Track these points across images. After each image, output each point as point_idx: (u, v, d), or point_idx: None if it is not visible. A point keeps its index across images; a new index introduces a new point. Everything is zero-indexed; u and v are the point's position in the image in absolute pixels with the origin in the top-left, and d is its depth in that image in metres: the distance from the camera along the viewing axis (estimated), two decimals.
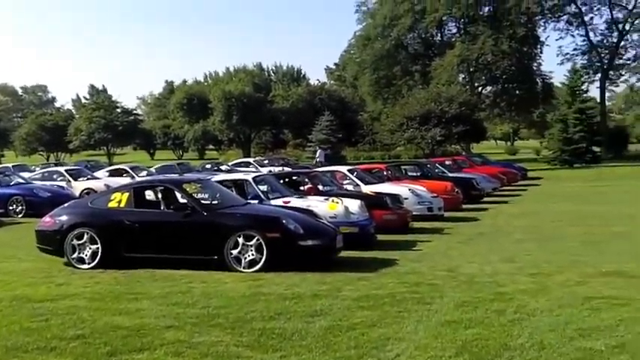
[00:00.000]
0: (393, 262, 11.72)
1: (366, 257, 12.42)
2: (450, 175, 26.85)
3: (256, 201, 13.66)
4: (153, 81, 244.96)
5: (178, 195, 12.14)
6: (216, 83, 75.74)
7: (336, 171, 20.43)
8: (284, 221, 11.05)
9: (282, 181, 16.54)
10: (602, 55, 64.16)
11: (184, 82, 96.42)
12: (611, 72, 63.65)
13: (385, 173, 22.54)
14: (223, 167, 37.76)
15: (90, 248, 11.62)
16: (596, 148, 49.43)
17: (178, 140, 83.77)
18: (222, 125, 68.83)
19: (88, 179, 28.09)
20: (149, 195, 12.98)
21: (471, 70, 64.45)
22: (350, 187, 18.76)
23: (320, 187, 16.78)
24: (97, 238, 11.56)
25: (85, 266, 11.59)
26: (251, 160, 43.28)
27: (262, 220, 11.25)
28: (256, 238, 10.82)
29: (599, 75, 64.27)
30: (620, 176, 38.44)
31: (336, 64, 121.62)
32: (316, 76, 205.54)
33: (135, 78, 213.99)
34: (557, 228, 16.81)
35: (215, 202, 12.26)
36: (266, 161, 43.08)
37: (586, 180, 36.92)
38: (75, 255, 11.68)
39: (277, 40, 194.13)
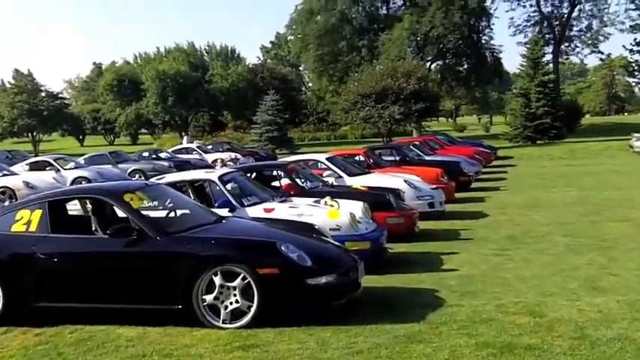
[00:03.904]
0: (436, 298, 8.12)
1: (388, 288, 8.80)
2: (429, 158, 23.39)
3: (226, 210, 9.81)
4: (80, 63, 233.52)
5: (118, 211, 8.17)
6: (149, 63, 70.63)
7: (311, 160, 16.67)
8: (283, 248, 7.26)
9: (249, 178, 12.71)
10: (554, 26, 61.59)
11: (113, 63, 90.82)
12: (566, 44, 61.20)
13: (362, 159, 18.88)
14: (163, 155, 33.54)
15: None
16: (556, 124, 46.68)
17: (109, 125, 78.65)
18: (156, 108, 64.15)
19: (3, 175, 23.57)
20: (73, 211, 8.97)
21: (420, 44, 61.18)
22: (330, 181, 14.98)
23: (299, 183, 13.03)
24: None
25: None
26: (194, 145, 39.04)
27: (250, 247, 7.39)
28: (242, 275, 7.03)
29: (550, 47, 61.70)
30: (596, 153, 35.74)
31: (272, 42, 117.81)
32: (250, 55, 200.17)
33: (61, 61, 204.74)
34: (598, 225, 13.41)
35: (174, 219, 8.33)
36: (210, 146, 39.00)
37: (562, 158, 34.09)
38: None
39: (207, 20, 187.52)
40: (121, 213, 8.10)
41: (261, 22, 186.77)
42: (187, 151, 36.40)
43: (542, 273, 9.35)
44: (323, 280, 7.19)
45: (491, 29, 63.87)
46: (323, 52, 63.35)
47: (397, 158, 21.28)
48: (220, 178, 10.54)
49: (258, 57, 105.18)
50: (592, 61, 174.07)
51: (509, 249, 11.29)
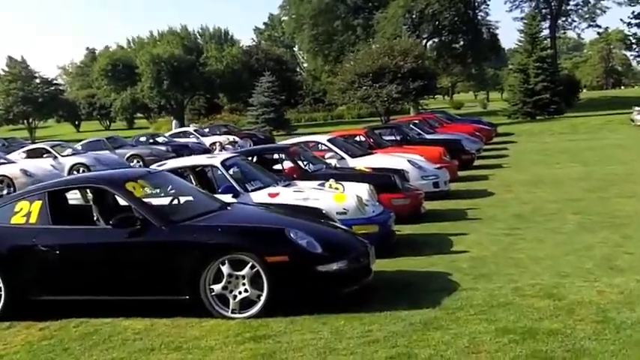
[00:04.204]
0: (450, 281, 7.91)
1: (399, 272, 8.58)
2: (430, 137, 23.14)
3: (229, 196, 9.57)
4: (73, 49, 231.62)
5: (120, 201, 7.93)
6: (143, 47, 70.01)
7: (312, 142, 16.42)
8: (292, 235, 7.02)
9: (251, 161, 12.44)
10: (550, 0, 61.09)
11: (107, 48, 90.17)
12: (563, 18, 60.73)
13: (363, 140, 18.62)
14: (160, 139, 33.22)
15: None
16: (555, 99, 46.34)
17: (104, 110, 78.27)
18: (152, 92, 63.62)
19: (0, 164, 23.23)
20: (74, 201, 8.70)
21: (415, 22, 60.68)
22: (333, 162, 14.73)
23: (302, 166, 12.79)
24: None
25: None
26: (191, 129, 38.71)
27: (258, 234, 7.15)
28: (250, 264, 6.81)
29: (547, 22, 61.28)
30: (597, 127, 35.47)
31: (265, 23, 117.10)
32: (244, 37, 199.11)
33: (54, 46, 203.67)
34: (606, 201, 13.19)
35: (178, 208, 8.07)
36: (207, 129, 38.67)
37: (563, 134, 33.79)
38: None
39: (198, 2, 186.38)
40: (122, 201, 7.86)
41: (254, 4, 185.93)
42: (185, 134, 36.08)
43: (556, 253, 9.14)
44: (334, 266, 6.96)
45: (488, 5, 63.53)
46: (318, 31, 62.95)
47: (398, 138, 21.00)
48: (223, 163, 10.27)
49: (252, 39, 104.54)
50: (588, 35, 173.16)
51: (519, 228, 11.08)
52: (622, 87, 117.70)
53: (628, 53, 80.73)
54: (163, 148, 29.62)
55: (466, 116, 43.83)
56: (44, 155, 25.08)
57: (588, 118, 41.73)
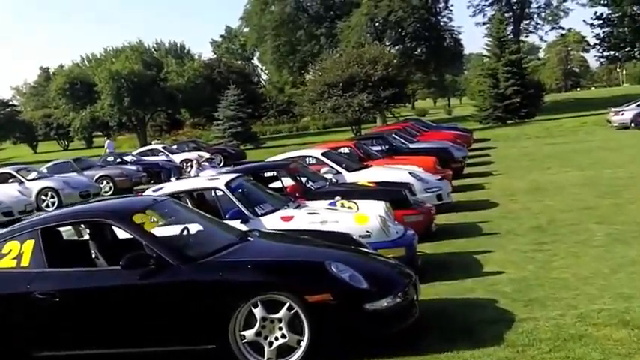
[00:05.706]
0: (500, 310, 7.07)
1: (439, 300, 7.71)
2: (416, 146, 22.38)
3: (238, 222, 8.58)
4: (26, 69, 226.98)
5: (121, 233, 6.89)
6: (100, 64, 68.12)
7: (301, 156, 15.50)
8: (333, 268, 6.09)
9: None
10: (512, 4, 61.09)
11: (61, 66, 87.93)
12: (525, 22, 60.73)
13: (349, 152, 17.74)
14: (128, 158, 31.91)
15: None
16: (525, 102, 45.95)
17: (62, 130, 76.08)
18: (112, 109, 61.90)
19: None
20: (71, 238, 7.62)
21: (379, 29, 60.10)
22: (329, 177, 13.78)
23: (304, 184, 11.85)
24: None
25: None
26: (159, 146, 37.47)
27: (295, 269, 6.20)
28: (288, 305, 5.86)
29: (511, 27, 61.22)
30: (573, 130, 35.02)
31: (222, 36, 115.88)
32: (202, 50, 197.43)
33: (5, 67, 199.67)
34: (623, 208, 12.44)
35: (195, 242, 7.03)
36: (175, 146, 37.49)
37: (539, 137, 33.21)
38: None
39: (149, 18, 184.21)
40: (123, 235, 6.84)
41: (208, 17, 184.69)
42: (153, 152, 34.85)
43: (602, 270, 8.34)
44: (384, 303, 6.04)
45: (451, 11, 63.13)
46: (280, 42, 62.19)
47: (384, 148, 20.18)
48: (227, 185, 9.27)
49: (214, 52, 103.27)
50: (550, 37, 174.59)
51: (545, 242, 10.26)
52: (579, 89, 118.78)
53: (589, 54, 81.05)
54: (133, 167, 28.39)
55: (439, 123, 43.27)
56: (9, 180, 23.73)
57: (560, 120, 41.43)
